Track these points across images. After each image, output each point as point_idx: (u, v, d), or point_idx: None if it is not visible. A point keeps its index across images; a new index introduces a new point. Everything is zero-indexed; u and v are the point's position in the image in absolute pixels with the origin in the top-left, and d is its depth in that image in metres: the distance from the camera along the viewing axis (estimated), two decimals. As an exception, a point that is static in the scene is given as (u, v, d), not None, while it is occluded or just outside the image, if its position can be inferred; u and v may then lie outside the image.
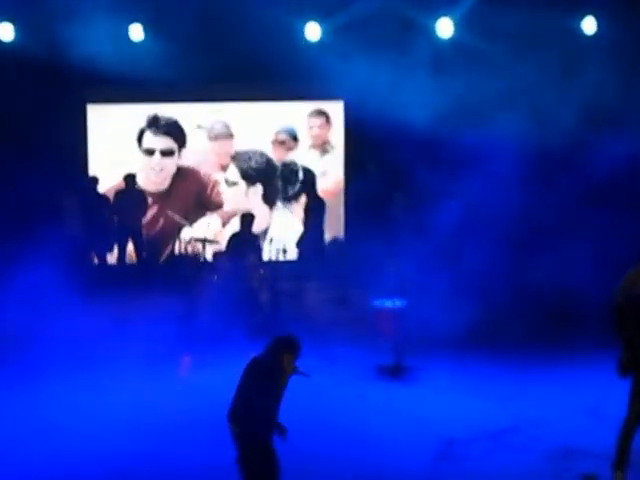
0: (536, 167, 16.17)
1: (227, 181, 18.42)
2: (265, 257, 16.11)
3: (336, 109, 18.66)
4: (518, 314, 14.27)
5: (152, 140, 18.31)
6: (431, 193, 16.13)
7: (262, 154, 18.51)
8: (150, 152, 18.31)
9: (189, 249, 16.51)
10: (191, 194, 18.45)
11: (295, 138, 18.61)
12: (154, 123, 18.16)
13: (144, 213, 17.66)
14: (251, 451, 8.03)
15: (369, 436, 8.79)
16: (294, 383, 11.22)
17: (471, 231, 15.27)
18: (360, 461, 9.56)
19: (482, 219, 15.45)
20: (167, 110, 18.31)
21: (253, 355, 8.26)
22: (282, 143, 18.59)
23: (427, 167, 17.11)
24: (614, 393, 9.66)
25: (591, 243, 14.85)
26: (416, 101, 17.08)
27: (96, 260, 17.61)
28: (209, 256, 16.26)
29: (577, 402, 11.41)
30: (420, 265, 13.98)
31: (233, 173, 18.44)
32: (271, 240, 16.75)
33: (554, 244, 15.41)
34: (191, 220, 18.10)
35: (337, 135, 18.73)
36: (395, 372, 12.47)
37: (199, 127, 18.30)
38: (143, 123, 18.23)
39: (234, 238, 15.97)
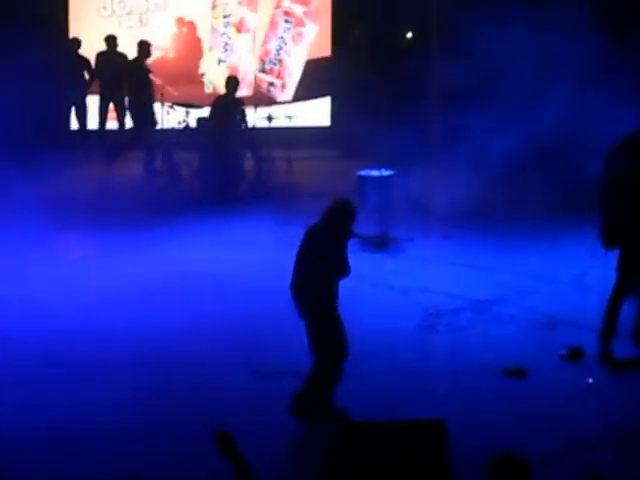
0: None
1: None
2: (250, 124, 15.74)
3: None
4: (509, 186, 14.17)
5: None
6: (424, 60, 15.57)
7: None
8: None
9: (173, 115, 16.13)
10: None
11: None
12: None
13: (126, 77, 16.94)
14: (317, 321, 8.03)
15: (354, 308, 8.69)
16: (278, 252, 11.37)
17: (470, 95, 14.39)
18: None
19: (484, 81, 14.48)
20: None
21: (309, 224, 8.27)
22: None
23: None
24: (601, 265, 9.60)
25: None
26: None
27: (76, 125, 17.34)
28: (193, 122, 15.89)
29: (564, 274, 11.33)
30: (413, 136, 13.66)
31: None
32: (256, 106, 16.31)
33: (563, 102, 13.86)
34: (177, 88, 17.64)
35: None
36: (381, 243, 12.23)
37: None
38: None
39: (219, 103, 15.57)
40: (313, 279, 8.03)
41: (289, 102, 17.99)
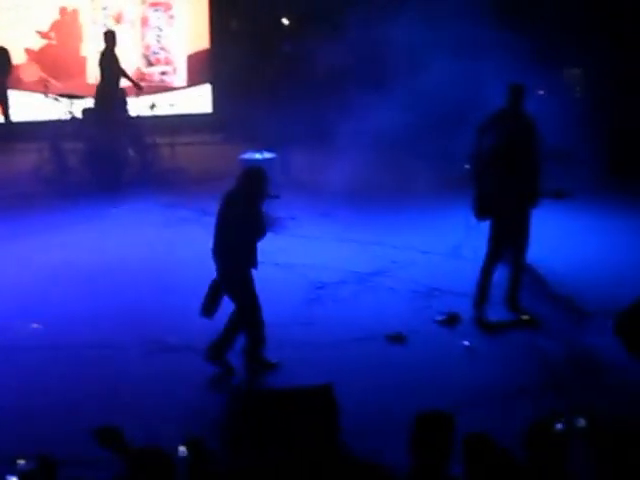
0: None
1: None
2: (132, 113, 15.93)
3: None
4: (388, 163, 14.62)
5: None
6: (303, 44, 15.64)
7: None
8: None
9: (58, 106, 16.17)
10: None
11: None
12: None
13: (8, 70, 17.27)
14: (234, 281, 8.61)
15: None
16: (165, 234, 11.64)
17: (352, 77, 15.06)
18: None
19: (365, 63, 15.11)
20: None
21: (224, 191, 8.71)
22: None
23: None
24: (474, 235, 10.23)
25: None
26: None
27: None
28: (78, 113, 15.96)
29: (439, 245, 11.90)
30: (296, 118, 13.90)
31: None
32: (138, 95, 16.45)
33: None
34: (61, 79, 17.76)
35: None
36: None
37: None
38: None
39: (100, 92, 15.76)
40: (233, 240, 8.53)
41: (185, 87, 18.38)
